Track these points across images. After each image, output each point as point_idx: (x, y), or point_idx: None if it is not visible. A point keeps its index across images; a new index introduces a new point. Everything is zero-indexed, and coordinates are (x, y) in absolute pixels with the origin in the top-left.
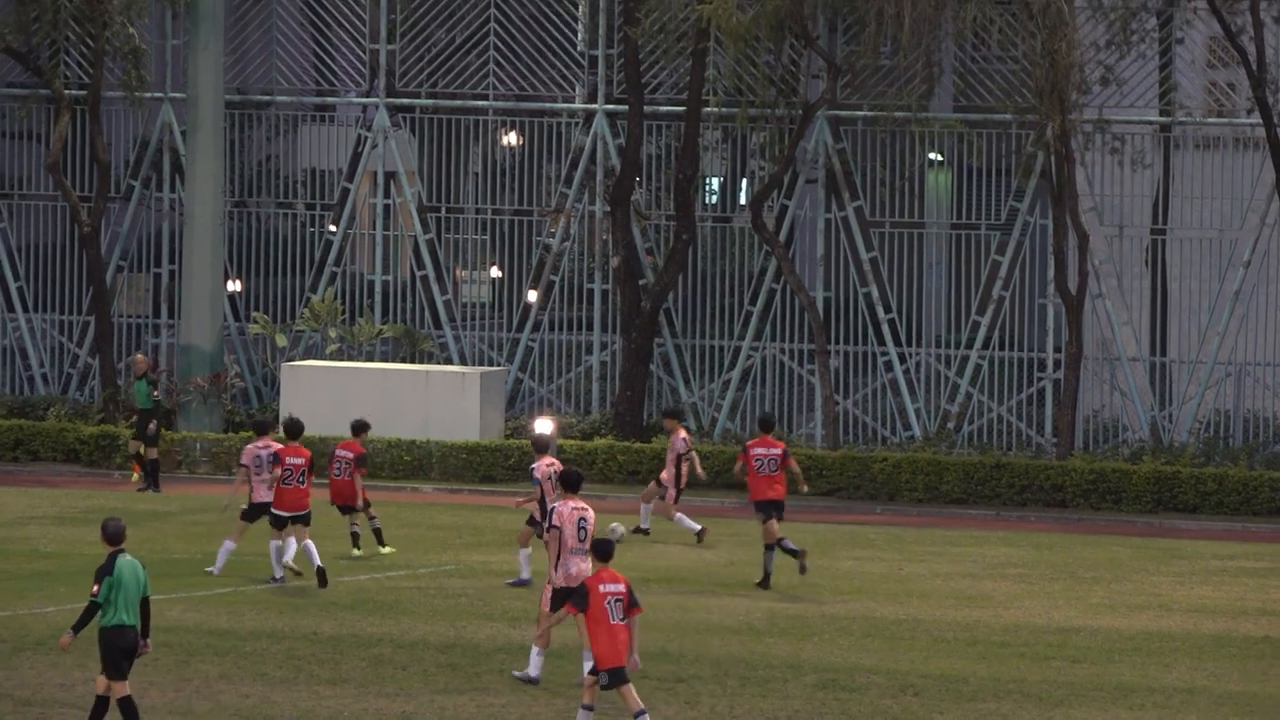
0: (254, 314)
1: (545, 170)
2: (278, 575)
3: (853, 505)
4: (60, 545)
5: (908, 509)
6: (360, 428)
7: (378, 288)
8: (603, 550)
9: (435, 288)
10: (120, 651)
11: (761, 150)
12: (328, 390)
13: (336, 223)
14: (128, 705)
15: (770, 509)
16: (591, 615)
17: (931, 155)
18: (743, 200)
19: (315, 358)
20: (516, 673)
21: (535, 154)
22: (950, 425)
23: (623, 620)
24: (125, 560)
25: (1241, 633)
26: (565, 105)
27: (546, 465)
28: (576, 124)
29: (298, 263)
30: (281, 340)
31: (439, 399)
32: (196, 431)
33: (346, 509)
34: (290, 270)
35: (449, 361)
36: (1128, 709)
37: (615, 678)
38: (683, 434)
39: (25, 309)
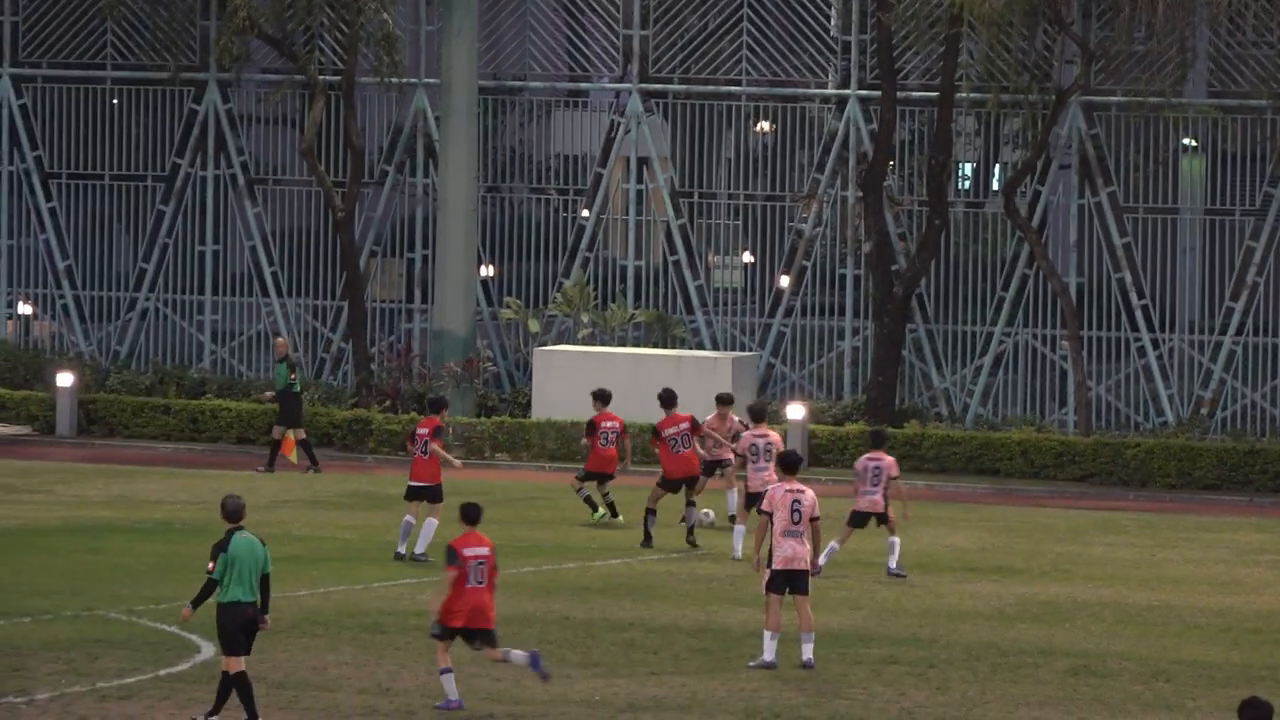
0: (506, 299)
1: (797, 156)
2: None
3: (1105, 491)
4: (313, 529)
5: (1160, 495)
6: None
7: (630, 273)
8: (469, 515)
9: (687, 273)
10: (236, 628)
11: (1014, 136)
12: (580, 375)
13: (589, 208)
14: (241, 681)
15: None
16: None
17: (1185, 141)
18: (995, 186)
19: (567, 343)
20: (752, 663)
21: (787, 139)
22: (1203, 411)
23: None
24: (242, 538)
25: None
26: (818, 91)
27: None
28: (829, 109)
29: (550, 248)
30: (534, 325)
31: (691, 384)
32: (450, 416)
33: (606, 477)
34: (542, 255)
35: (700, 346)
36: None
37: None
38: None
39: (280, 294)
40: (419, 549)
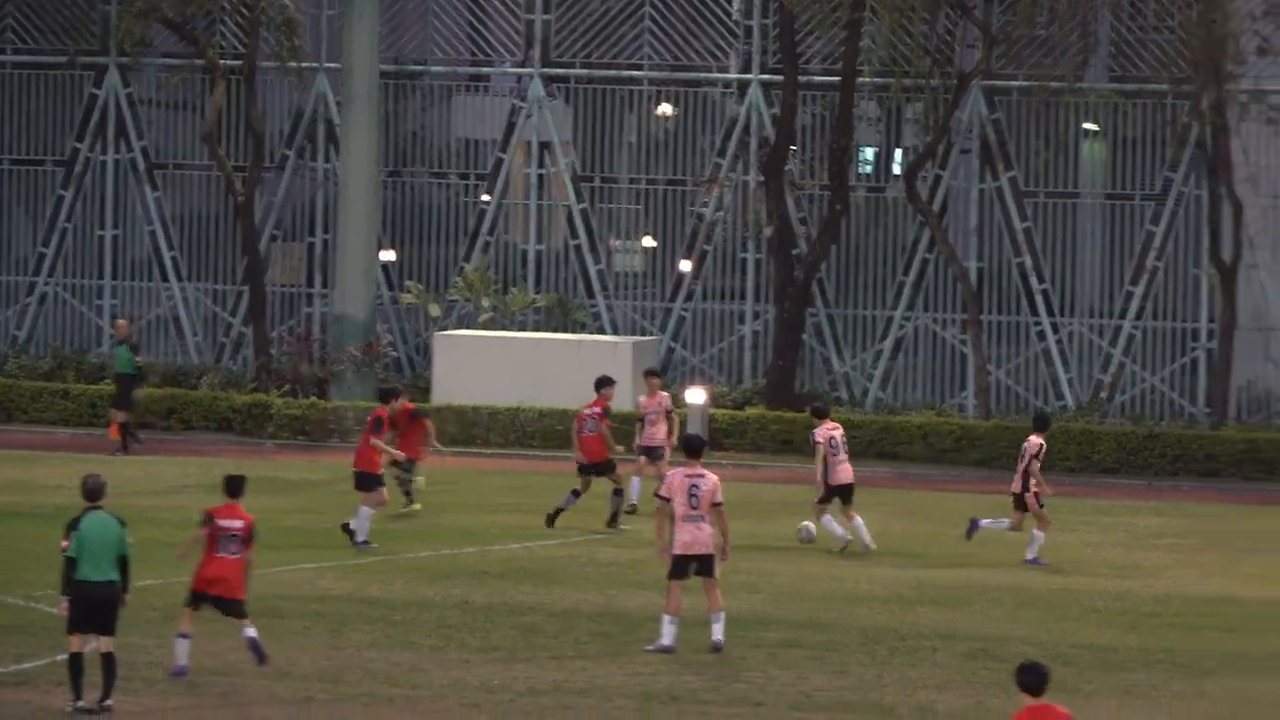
0: (407, 283)
1: (699, 140)
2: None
3: (1004, 475)
4: None
5: (1060, 479)
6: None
7: (531, 257)
8: (231, 487)
9: (588, 257)
10: (85, 607)
11: (916, 120)
12: (480, 359)
13: (490, 192)
14: (75, 661)
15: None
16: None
17: (1086, 125)
18: (896, 170)
19: (468, 327)
20: (649, 647)
21: (689, 124)
22: (1103, 395)
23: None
24: (95, 517)
25: None
26: (720, 75)
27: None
28: (731, 94)
29: (451, 232)
30: (434, 310)
31: (591, 368)
32: (349, 400)
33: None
34: (443, 240)
35: (601, 331)
36: None
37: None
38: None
39: (180, 278)
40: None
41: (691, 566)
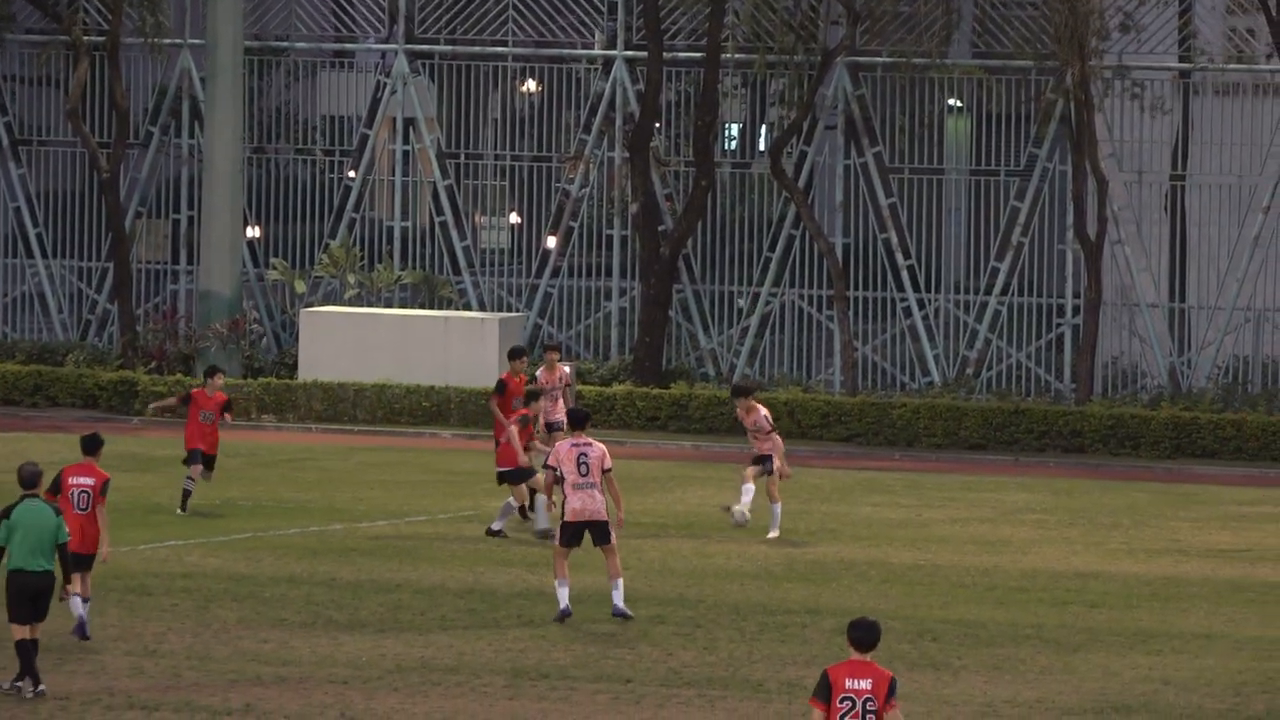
0: (273, 260)
1: (564, 116)
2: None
3: (871, 451)
4: None
5: (926, 455)
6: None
7: (396, 234)
8: (87, 444)
9: (454, 234)
10: (17, 596)
11: (780, 97)
12: (346, 336)
13: (355, 169)
14: (22, 649)
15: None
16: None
17: (951, 101)
18: (762, 146)
19: (334, 303)
20: (554, 617)
21: (554, 100)
22: (969, 371)
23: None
24: (28, 505)
25: (1259, 578)
26: (584, 51)
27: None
28: (595, 70)
29: (316, 209)
30: (300, 286)
31: (458, 345)
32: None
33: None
34: (309, 216)
35: (468, 307)
36: (1145, 654)
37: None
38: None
39: (44, 255)
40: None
41: (583, 534)
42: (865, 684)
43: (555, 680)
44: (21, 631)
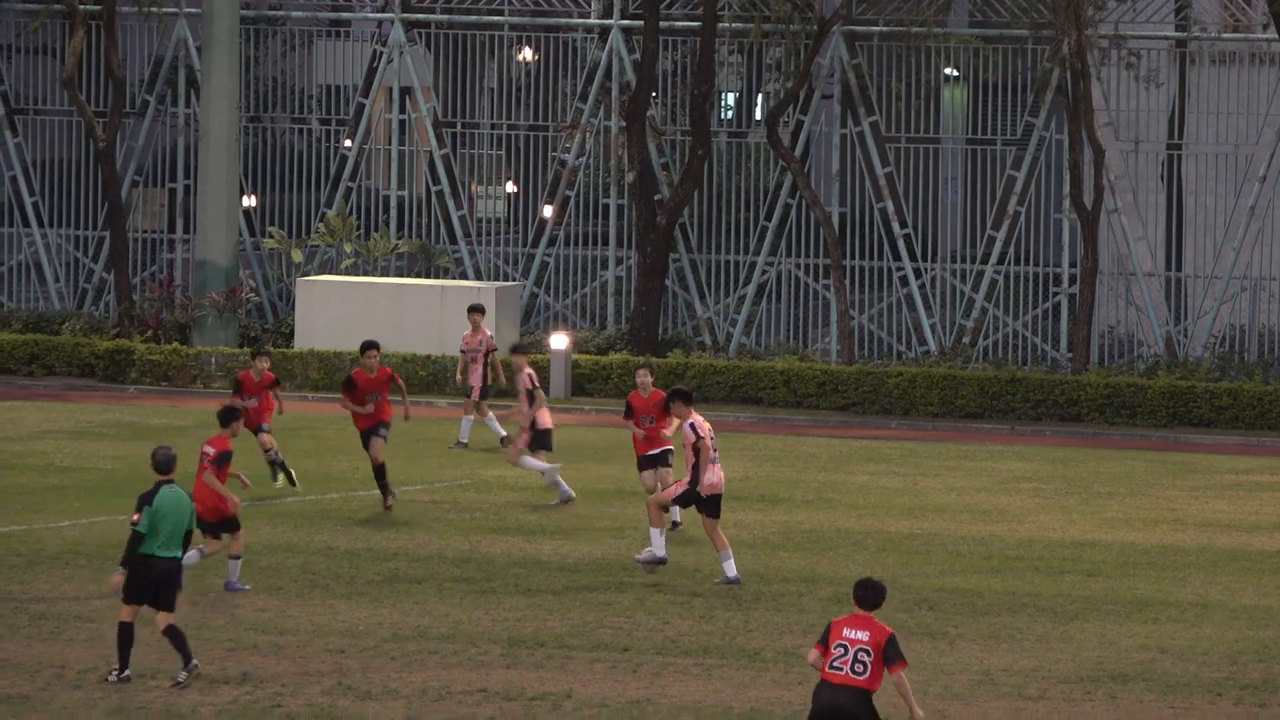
0: (269, 229)
1: (561, 85)
2: None
3: (867, 420)
4: (75, 460)
5: (923, 424)
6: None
7: (393, 203)
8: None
9: (450, 203)
10: (143, 582)
11: (777, 65)
12: (342, 305)
13: (351, 138)
14: (124, 631)
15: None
16: None
17: (947, 71)
18: (758, 116)
19: (330, 273)
20: (641, 556)
21: (550, 69)
22: (965, 340)
23: None
24: (170, 492)
25: (1256, 547)
26: (581, 20)
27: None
28: (592, 39)
29: (313, 178)
30: (297, 255)
31: (454, 314)
32: (211, 346)
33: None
34: (305, 186)
35: (464, 276)
36: (1142, 623)
37: None
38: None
39: (41, 224)
40: None
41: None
42: (862, 635)
43: (552, 649)
44: (129, 613)
